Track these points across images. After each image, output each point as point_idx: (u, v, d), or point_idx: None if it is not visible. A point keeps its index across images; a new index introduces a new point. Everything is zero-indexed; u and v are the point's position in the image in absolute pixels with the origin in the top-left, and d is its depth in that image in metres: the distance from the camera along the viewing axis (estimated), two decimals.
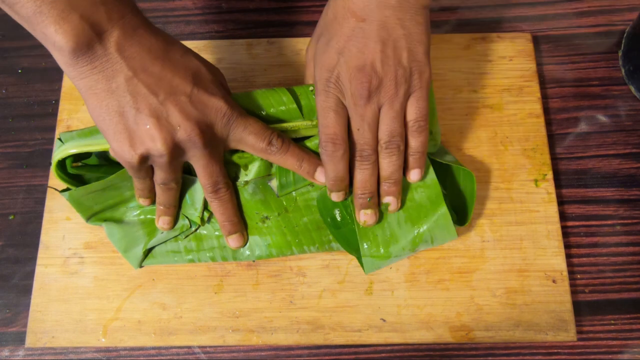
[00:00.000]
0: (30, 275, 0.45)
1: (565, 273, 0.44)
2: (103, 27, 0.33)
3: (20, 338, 0.44)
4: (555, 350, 0.43)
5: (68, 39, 0.31)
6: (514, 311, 0.43)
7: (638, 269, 0.45)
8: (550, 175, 0.46)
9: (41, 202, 0.47)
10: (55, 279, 0.44)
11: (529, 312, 0.43)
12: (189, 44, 0.51)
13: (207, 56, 0.51)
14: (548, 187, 0.46)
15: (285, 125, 0.41)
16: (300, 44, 0.51)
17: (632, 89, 0.50)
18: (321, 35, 0.39)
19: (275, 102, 0.41)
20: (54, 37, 0.31)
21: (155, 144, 0.35)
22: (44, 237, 0.45)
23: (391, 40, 0.36)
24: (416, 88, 0.38)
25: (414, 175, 0.40)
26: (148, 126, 0.35)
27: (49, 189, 0.47)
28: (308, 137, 0.42)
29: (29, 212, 0.48)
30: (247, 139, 0.38)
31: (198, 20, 0.55)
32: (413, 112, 0.38)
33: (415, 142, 0.39)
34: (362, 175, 0.39)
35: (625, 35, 0.52)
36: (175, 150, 0.36)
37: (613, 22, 0.53)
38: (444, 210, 0.40)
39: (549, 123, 0.49)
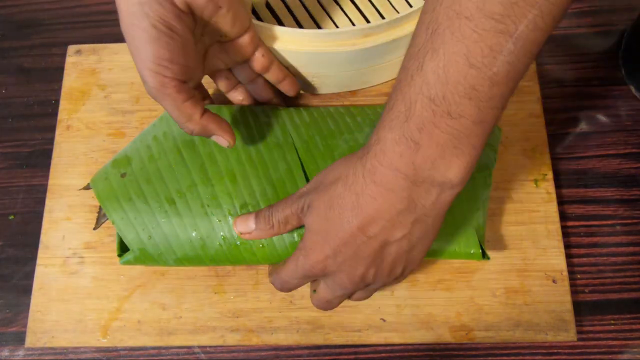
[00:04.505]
0: (30, 275, 0.45)
1: (565, 273, 0.44)
2: None
3: (20, 338, 0.44)
4: (555, 350, 0.43)
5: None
6: (514, 311, 0.43)
7: (638, 269, 0.45)
8: (550, 175, 0.46)
9: (41, 202, 0.47)
10: (55, 279, 0.44)
11: (529, 312, 0.43)
12: None
13: None
14: (548, 187, 0.46)
15: None
16: None
17: (632, 88, 0.50)
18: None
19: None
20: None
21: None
22: (44, 237, 0.45)
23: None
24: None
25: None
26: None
27: (49, 189, 0.47)
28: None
29: (29, 212, 0.48)
30: None
31: None
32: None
33: None
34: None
35: (625, 35, 0.52)
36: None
37: (613, 22, 0.53)
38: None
39: (549, 123, 0.49)
